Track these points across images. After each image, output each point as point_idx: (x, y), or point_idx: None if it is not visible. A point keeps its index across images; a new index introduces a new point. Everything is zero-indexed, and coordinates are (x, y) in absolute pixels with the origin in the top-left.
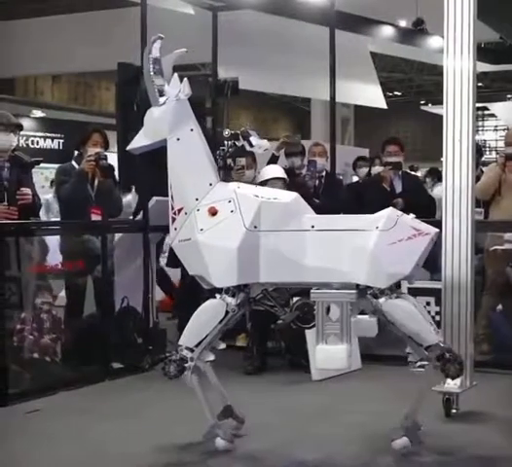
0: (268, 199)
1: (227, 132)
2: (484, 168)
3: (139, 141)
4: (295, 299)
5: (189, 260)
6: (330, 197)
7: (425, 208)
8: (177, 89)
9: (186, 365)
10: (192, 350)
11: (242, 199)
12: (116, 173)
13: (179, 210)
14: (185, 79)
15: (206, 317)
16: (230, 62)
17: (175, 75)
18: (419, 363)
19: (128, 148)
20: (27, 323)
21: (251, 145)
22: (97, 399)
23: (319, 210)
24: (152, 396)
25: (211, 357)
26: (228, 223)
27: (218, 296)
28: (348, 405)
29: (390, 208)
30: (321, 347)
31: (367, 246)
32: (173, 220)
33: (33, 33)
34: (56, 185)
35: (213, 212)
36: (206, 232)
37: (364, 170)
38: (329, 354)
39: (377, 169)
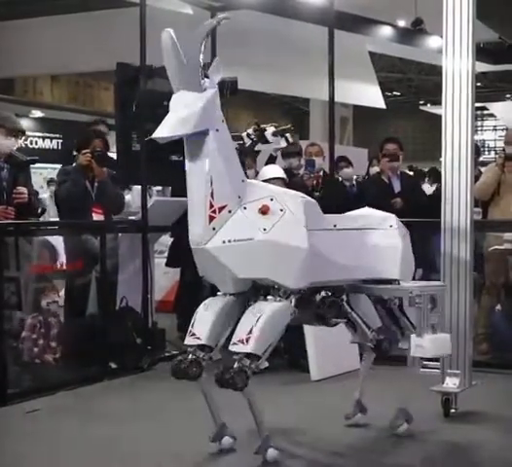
0: (306, 198)
1: (251, 130)
2: (482, 169)
3: (177, 129)
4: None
5: (244, 261)
6: (328, 196)
7: (423, 208)
8: (218, 75)
9: (249, 374)
10: (258, 358)
11: (284, 198)
12: (112, 162)
13: (220, 208)
14: (217, 59)
15: (277, 322)
16: (228, 62)
17: (217, 58)
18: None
19: (160, 135)
20: (28, 325)
21: (288, 142)
22: (96, 399)
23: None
24: (151, 396)
25: (266, 364)
26: (287, 222)
27: (274, 298)
28: (347, 404)
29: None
30: (431, 337)
31: (394, 244)
32: (211, 219)
33: (32, 33)
34: (57, 185)
35: (265, 210)
36: (270, 231)
37: (346, 172)
38: (440, 342)
39: (375, 169)
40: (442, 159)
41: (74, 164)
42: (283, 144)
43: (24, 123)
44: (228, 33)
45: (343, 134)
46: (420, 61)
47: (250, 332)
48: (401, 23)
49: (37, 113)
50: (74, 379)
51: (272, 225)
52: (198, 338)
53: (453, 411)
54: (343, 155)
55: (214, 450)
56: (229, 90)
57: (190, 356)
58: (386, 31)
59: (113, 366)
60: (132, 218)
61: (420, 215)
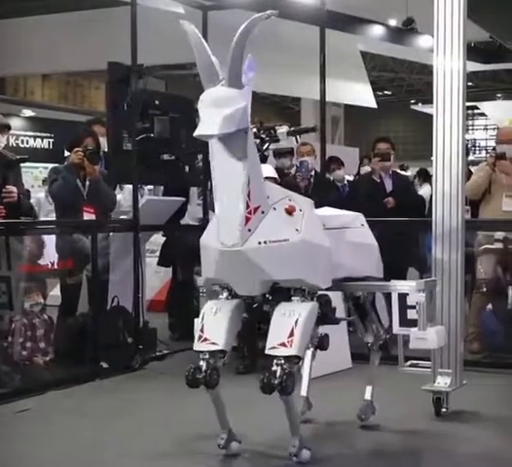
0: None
1: (256, 129)
2: (472, 168)
3: (224, 126)
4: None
5: (279, 262)
6: (320, 196)
7: (415, 208)
8: (253, 72)
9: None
10: (299, 360)
11: (298, 198)
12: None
13: (255, 209)
14: (250, 55)
15: (312, 323)
16: (220, 61)
17: (251, 55)
18: (409, 362)
19: (209, 133)
20: (14, 329)
21: (297, 142)
22: (87, 398)
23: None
24: (142, 395)
25: None
26: (310, 222)
27: (300, 299)
28: (340, 403)
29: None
30: (434, 329)
31: (371, 242)
32: (247, 220)
33: (23, 32)
34: (49, 183)
35: (291, 211)
36: (302, 231)
37: (337, 173)
38: (441, 334)
39: (365, 169)
40: (433, 158)
41: (66, 163)
42: (294, 144)
43: (15, 122)
44: (219, 32)
45: (334, 134)
46: (412, 61)
47: (291, 334)
48: (392, 23)
49: (28, 112)
50: (65, 379)
51: (301, 225)
52: (213, 343)
53: (444, 410)
54: (334, 155)
55: (201, 449)
56: None
57: (204, 364)
58: (378, 31)
59: (104, 365)
60: (124, 217)
61: (413, 214)
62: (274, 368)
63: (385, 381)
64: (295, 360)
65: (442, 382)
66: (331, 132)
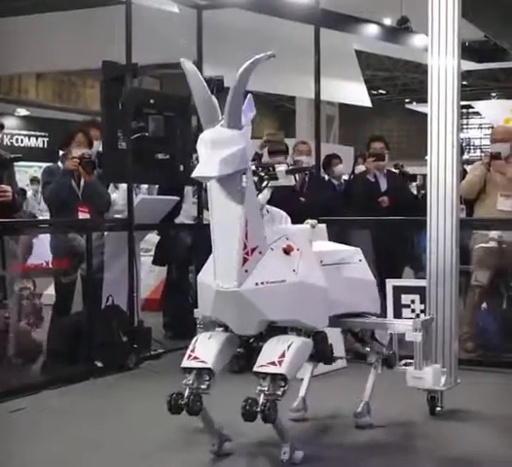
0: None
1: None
2: (467, 167)
3: (222, 168)
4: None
5: (276, 303)
6: (315, 195)
7: (409, 207)
8: (252, 112)
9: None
10: (285, 382)
11: (295, 236)
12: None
13: (253, 250)
14: (250, 96)
15: (303, 355)
16: (215, 61)
17: (250, 95)
18: (403, 361)
19: (207, 175)
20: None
21: (296, 180)
22: (82, 397)
23: (305, 208)
24: (137, 394)
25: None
26: (307, 261)
27: (296, 335)
28: (335, 402)
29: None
30: (430, 368)
31: (369, 278)
32: (245, 261)
33: (17, 31)
34: (42, 186)
35: (289, 250)
36: (299, 272)
37: (340, 168)
38: (437, 373)
39: (360, 168)
40: (427, 157)
41: (60, 166)
42: (293, 182)
43: (10, 121)
44: (214, 31)
45: (329, 132)
46: (406, 60)
47: (283, 356)
48: (387, 22)
49: (22, 111)
50: (59, 378)
51: (298, 265)
52: (202, 361)
53: (438, 409)
54: (332, 152)
55: (195, 448)
56: (215, 89)
57: (187, 390)
58: (372, 30)
59: (99, 364)
60: (118, 216)
61: (407, 213)
62: (257, 394)
63: (380, 380)
64: (281, 382)
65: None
66: (326, 131)
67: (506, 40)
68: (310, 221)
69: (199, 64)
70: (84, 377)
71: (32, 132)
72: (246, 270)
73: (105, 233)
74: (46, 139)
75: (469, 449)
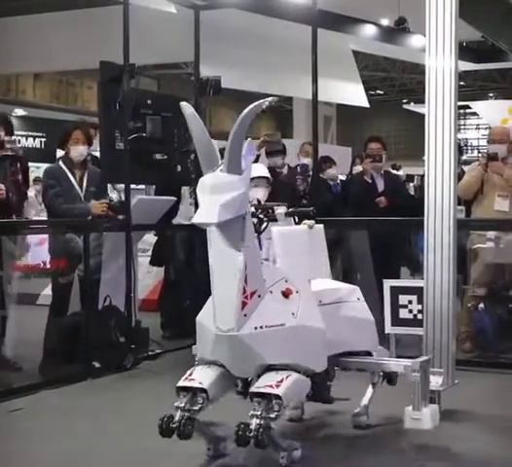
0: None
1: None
2: (465, 167)
3: (222, 214)
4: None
5: (275, 347)
6: (317, 197)
7: (407, 208)
8: (252, 156)
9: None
10: (281, 405)
11: (294, 278)
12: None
13: (252, 293)
14: (249, 140)
15: (299, 389)
16: (212, 61)
17: (249, 139)
18: None
19: (206, 221)
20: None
21: (295, 222)
22: (80, 398)
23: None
24: (134, 395)
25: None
26: (306, 304)
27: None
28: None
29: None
30: (428, 409)
31: (367, 317)
32: (244, 305)
33: (15, 31)
34: (44, 188)
35: (288, 293)
36: (298, 315)
37: (330, 173)
38: (434, 413)
39: (358, 169)
40: (425, 157)
41: (61, 165)
42: (293, 224)
43: None
44: (212, 32)
45: (326, 133)
46: (404, 60)
47: (281, 381)
48: (384, 22)
49: (20, 111)
50: (57, 378)
51: (297, 308)
52: (199, 382)
53: None
54: (326, 155)
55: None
56: (212, 89)
57: (178, 413)
58: (370, 30)
59: (96, 365)
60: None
61: (405, 214)
62: (250, 419)
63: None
64: (276, 405)
65: (434, 382)
66: (323, 132)
67: (504, 40)
68: (307, 222)
69: (196, 65)
70: (81, 378)
71: (29, 133)
72: (245, 314)
73: (103, 233)
74: (43, 140)
75: (467, 449)
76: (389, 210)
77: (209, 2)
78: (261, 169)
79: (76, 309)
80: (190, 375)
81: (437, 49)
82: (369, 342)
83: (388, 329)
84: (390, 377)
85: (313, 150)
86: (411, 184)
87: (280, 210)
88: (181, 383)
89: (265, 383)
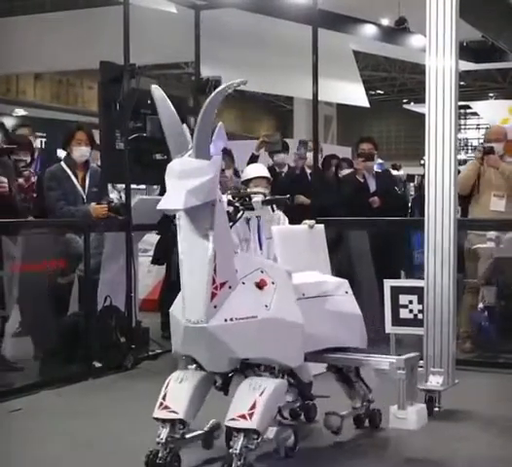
0: (286, 268)
1: (231, 196)
2: (461, 167)
3: (189, 200)
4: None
5: (246, 341)
6: (321, 194)
7: (399, 207)
8: (223, 141)
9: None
10: (258, 435)
11: (271, 269)
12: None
13: (222, 284)
14: (220, 124)
15: (277, 400)
16: (212, 61)
17: (220, 124)
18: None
19: (172, 207)
20: None
21: (274, 210)
22: (80, 398)
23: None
24: (135, 395)
25: None
26: (282, 296)
27: (269, 376)
28: (332, 401)
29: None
30: (414, 409)
31: (355, 311)
32: (213, 296)
33: (15, 31)
34: (46, 189)
35: (262, 285)
36: (272, 307)
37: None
38: (421, 413)
39: (345, 172)
40: (425, 157)
41: (63, 166)
42: (271, 213)
43: (7, 121)
44: (212, 31)
45: (327, 133)
46: (404, 60)
47: (253, 407)
48: (385, 22)
49: (20, 111)
50: (57, 378)
51: (271, 300)
52: (173, 411)
53: (436, 409)
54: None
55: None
56: (213, 90)
57: (161, 449)
58: (370, 30)
59: (97, 365)
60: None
61: (397, 214)
62: (229, 455)
63: (380, 380)
64: (254, 435)
65: (434, 381)
66: (324, 131)
67: (504, 40)
68: (307, 221)
69: (196, 65)
70: (82, 378)
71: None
72: (215, 306)
73: (103, 233)
74: (43, 140)
75: (467, 449)
76: (382, 210)
77: (209, 2)
78: (261, 169)
79: (76, 309)
80: (164, 397)
81: (437, 48)
82: (355, 339)
83: (389, 329)
84: (374, 419)
85: (314, 149)
86: (411, 184)
87: (257, 198)
88: (157, 415)
89: (237, 413)
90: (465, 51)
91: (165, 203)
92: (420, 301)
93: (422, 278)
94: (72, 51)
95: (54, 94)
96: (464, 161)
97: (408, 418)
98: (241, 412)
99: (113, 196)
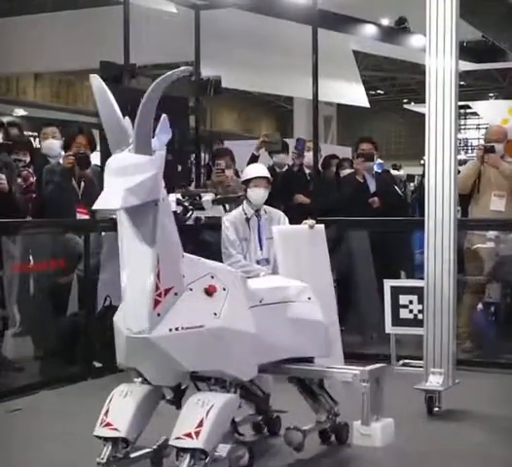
0: (239, 273)
1: (180, 195)
2: (461, 167)
3: (128, 199)
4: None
5: (193, 352)
6: (321, 194)
7: (398, 208)
8: (167, 135)
9: None
10: (206, 456)
11: (222, 274)
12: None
13: (166, 291)
14: (165, 116)
15: (227, 416)
16: (212, 61)
17: (165, 116)
18: (401, 361)
19: (107, 207)
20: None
21: (226, 210)
22: (79, 398)
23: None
24: None
25: None
26: (233, 303)
27: (220, 390)
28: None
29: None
30: (379, 425)
31: (317, 319)
32: (156, 303)
33: (15, 31)
34: (44, 184)
35: (211, 291)
36: (221, 316)
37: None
38: (388, 429)
39: (346, 172)
40: (425, 157)
41: (60, 166)
42: (222, 213)
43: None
44: (212, 32)
45: (327, 133)
46: (404, 60)
47: (200, 425)
48: (385, 22)
49: (20, 111)
50: (57, 379)
51: (221, 308)
52: (115, 429)
53: (436, 409)
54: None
55: None
56: (213, 89)
57: None
58: (370, 30)
59: (96, 365)
60: (115, 216)
61: (396, 214)
62: None
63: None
64: (201, 455)
65: (434, 381)
66: (324, 132)
67: (504, 40)
68: (307, 221)
69: (196, 64)
70: (82, 378)
71: (30, 133)
72: (159, 314)
73: (102, 233)
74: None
75: (467, 449)
76: (382, 210)
77: (209, 2)
78: (261, 169)
79: (75, 309)
80: (106, 413)
81: (438, 48)
82: (318, 348)
83: (389, 329)
84: (340, 435)
85: (314, 149)
86: (411, 184)
87: (207, 197)
88: (98, 432)
89: (183, 431)
90: (465, 51)
91: (101, 203)
92: (421, 301)
93: (423, 278)
94: (72, 50)
95: (54, 94)
96: (464, 161)
97: (372, 435)
98: (187, 430)
99: None
